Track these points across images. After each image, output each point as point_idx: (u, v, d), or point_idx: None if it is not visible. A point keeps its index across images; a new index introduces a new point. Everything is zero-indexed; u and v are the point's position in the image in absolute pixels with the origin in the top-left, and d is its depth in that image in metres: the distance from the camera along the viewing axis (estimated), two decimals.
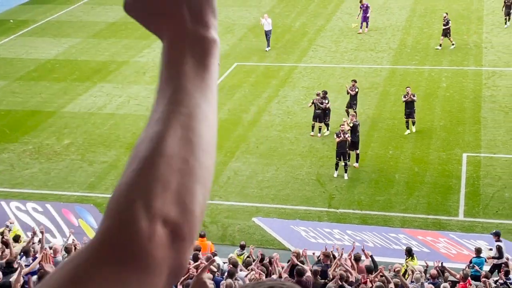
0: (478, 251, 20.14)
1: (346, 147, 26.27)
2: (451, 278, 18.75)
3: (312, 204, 24.95)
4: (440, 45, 38.73)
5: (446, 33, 38.57)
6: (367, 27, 42.08)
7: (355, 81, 30.91)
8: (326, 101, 29.45)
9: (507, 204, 24.37)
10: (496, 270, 20.04)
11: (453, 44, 38.65)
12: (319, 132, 29.67)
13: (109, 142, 30.29)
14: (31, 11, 51.67)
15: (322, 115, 29.51)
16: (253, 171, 27.31)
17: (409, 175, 26.43)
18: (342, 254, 18.62)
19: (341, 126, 26.65)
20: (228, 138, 29.93)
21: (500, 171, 26.45)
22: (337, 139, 26.23)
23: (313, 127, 29.56)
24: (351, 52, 39.28)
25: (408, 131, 29.21)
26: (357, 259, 18.74)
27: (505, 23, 41.29)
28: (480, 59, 37.21)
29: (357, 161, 26.98)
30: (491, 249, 20.66)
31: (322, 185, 26.07)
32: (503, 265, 19.66)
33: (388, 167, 27.02)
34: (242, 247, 20.77)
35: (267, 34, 39.72)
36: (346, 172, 26.51)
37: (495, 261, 20.40)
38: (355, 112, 29.27)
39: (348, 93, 30.31)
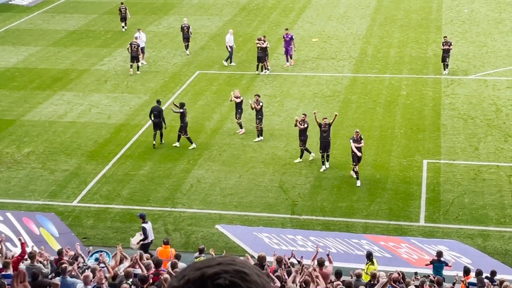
0: (439, 254, 20.38)
1: (329, 138, 27.47)
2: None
3: (275, 211, 25.04)
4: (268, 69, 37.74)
5: (265, 56, 37.42)
6: (291, 58, 38.67)
7: (258, 96, 30.37)
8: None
9: (467, 210, 24.73)
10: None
11: (268, 69, 37.67)
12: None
13: (70, 151, 30.05)
14: None
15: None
16: (216, 179, 27.32)
17: (371, 181, 26.68)
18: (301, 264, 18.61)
19: (324, 120, 27.40)
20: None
21: (460, 177, 26.85)
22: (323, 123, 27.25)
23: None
24: (312, 61, 39.57)
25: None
26: (321, 264, 18.79)
27: (444, 69, 36.75)
28: (439, 67, 37.73)
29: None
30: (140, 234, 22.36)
31: (285, 192, 26.19)
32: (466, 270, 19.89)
33: (350, 174, 27.21)
34: (201, 251, 20.66)
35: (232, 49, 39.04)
36: (327, 161, 27.62)
37: (143, 242, 22.02)
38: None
39: (252, 108, 30.07)
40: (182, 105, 29.79)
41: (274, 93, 35.29)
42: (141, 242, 22.12)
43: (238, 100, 30.48)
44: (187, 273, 2.09)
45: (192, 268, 2.10)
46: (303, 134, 27.88)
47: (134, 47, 38.12)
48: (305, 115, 28.33)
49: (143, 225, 22.22)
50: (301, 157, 28.28)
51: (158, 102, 30.76)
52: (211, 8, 51.19)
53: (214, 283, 2.03)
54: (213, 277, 2.04)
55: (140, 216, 22.58)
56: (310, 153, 28.29)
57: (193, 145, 29.64)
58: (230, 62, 39.17)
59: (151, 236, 22.31)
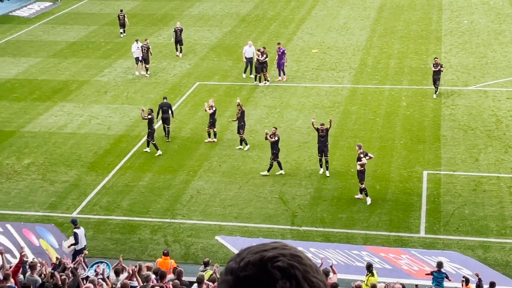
0: (440, 264, 20.32)
1: (327, 143, 27.66)
2: None
3: (275, 222, 25.00)
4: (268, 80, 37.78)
5: (263, 67, 37.36)
6: (284, 74, 38.22)
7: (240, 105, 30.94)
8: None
9: (467, 221, 24.68)
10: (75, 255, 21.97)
11: (267, 80, 37.73)
12: None
13: (70, 162, 30.03)
14: None
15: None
16: (216, 190, 27.28)
17: (371, 192, 26.61)
18: None
19: (321, 125, 27.60)
20: (191, 157, 29.89)
21: (460, 188, 26.81)
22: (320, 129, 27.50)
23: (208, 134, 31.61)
24: (312, 72, 39.60)
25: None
26: (325, 274, 18.71)
27: (435, 92, 35.40)
28: None
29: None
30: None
31: (285, 203, 26.14)
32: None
33: (350, 185, 27.19)
34: (206, 264, 20.65)
35: (250, 61, 38.50)
36: (327, 169, 27.76)
37: (75, 247, 22.46)
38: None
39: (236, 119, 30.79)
40: (150, 112, 30.27)
41: (274, 104, 35.30)
42: (72, 247, 22.54)
43: (210, 111, 30.84)
44: (245, 256, 2.17)
45: (249, 252, 2.18)
46: (274, 147, 27.84)
47: (144, 49, 39.34)
48: (276, 128, 28.38)
49: (75, 230, 22.62)
50: (268, 171, 28.18)
51: (165, 98, 32.35)
52: (211, 20, 51.29)
53: (274, 265, 2.11)
54: (272, 259, 2.13)
55: (72, 221, 23.07)
56: (281, 169, 28.24)
57: (158, 152, 30.21)
58: (244, 73, 39.03)
59: (83, 242, 22.73)
